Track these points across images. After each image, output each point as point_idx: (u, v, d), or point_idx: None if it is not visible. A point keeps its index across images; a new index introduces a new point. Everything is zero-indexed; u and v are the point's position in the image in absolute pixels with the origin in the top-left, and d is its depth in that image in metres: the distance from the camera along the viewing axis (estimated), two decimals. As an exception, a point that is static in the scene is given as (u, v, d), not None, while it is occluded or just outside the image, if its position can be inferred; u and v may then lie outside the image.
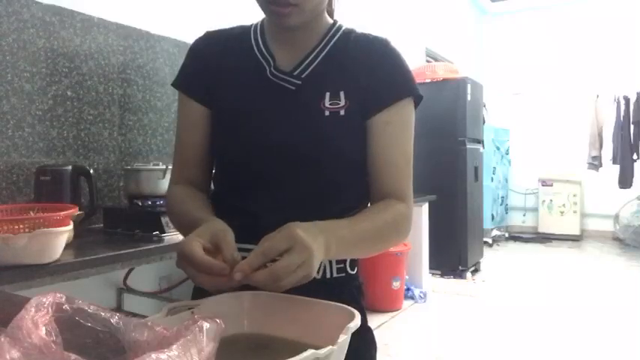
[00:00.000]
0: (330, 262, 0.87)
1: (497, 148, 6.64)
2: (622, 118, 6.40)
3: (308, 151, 0.83)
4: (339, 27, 0.91)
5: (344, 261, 0.89)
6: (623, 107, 6.40)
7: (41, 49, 1.90)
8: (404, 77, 0.87)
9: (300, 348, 0.47)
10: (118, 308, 2.17)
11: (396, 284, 3.66)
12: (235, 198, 0.88)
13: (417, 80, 0.96)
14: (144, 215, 1.82)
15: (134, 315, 1.60)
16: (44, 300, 0.42)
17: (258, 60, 0.88)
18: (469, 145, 4.69)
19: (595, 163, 6.61)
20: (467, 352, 3.05)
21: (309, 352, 0.46)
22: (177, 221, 0.89)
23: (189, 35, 1.79)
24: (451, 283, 4.53)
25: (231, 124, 0.88)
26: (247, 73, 0.88)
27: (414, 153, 0.89)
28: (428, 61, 5.46)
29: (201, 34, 0.96)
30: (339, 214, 0.80)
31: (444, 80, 4.72)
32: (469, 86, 4.70)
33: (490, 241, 6.38)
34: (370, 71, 0.86)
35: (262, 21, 0.93)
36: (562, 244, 6.58)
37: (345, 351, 0.55)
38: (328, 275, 0.87)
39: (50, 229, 1.22)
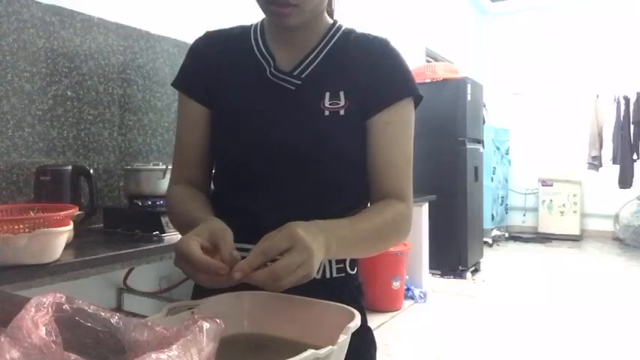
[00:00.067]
0: (330, 262, 0.87)
1: (497, 148, 6.65)
2: (622, 118, 6.40)
3: (308, 151, 0.83)
4: (339, 27, 0.91)
5: (343, 261, 0.89)
6: (623, 107, 6.40)
7: (41, 49, 1.90)
8: (404, 77, 0.88)
9: (300, 348, 0.47)
10: (118, 308, 2.17)
11: (396, 284, 3.66)
12: (235, 198, 0.88)
13: (417, 80, 0.96)
14: (144, 215, 1.82)
15: (134, 315, 1.60)
16: (44, 300, 0.43)
17: (258, 60, 0.88)
18: (469, 145, 4.69)
19: (595, 163, 6.61)
20: (467, 352, 3.05)
21: (309, 352, 0.46)
22: (177, 221, 0.89)
23: (189, 35, 1.79)
24: (451, 283, 4.53)
25: (231, 124, 0.88)
26: (247, 73, 0.88)
27: (414, 153, 0.89)
28: (428, 61, 5.46)
29: (201, 34, 0.96)
30: (339, 214, 0.80)
31: (444, 80, 4.72)
32: (469, 86, 4.70)
33: (490, 241, 6.38)
34: (370, 71, 0.86)
35: (262, 21, 0.93)
36: (562, 244, 6.58)
37: (345, 351, 0.55)
38: (328, 275, 0.87)
39: (50, 229, 1.22)
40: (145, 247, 1.57)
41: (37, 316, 0.40)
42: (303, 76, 0.85)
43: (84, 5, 2.06)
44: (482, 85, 5.21)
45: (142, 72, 2.30)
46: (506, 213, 7.16)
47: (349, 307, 0.62)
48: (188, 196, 0.88)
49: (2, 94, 1.78)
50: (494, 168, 6.51)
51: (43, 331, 0.39)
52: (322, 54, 0.87)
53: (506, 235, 7.05)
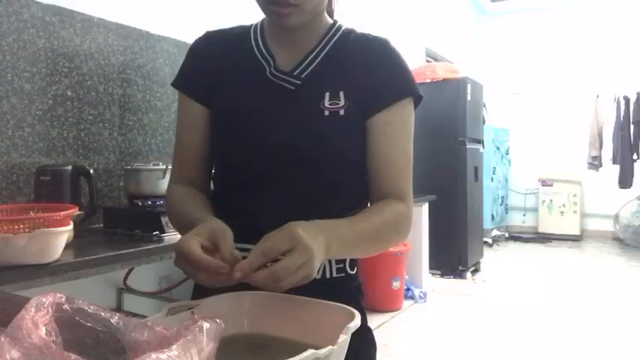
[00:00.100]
0: (330, 262, 0.87)
1: (497, 148, 6.65)
2: (622, 118, 6.40)
3: (308, 151, 0.83)
4: (339, 27, 0.91)
5: (343, 261, 0.89)
6: (623, 107, 6.40)
7: (41, 49, 1.90)
8: (404, 77, 0.88)
9: (300, 348, 0.47)
10: (118, 308, 2.17)
11: (396, 284, 3.66)
12: (235, 198, 0.88)
13: (417, 80, 0.96)
14: (144, 215, 1.82)
15: (134, 315, 1.60)
16: (44, 300, 0.42)
17: (258, 60, 0.88)
18: (469, 145, 4.69)
19: (595, 163, 6.61)
20: (467, 352, 3.05)
21: (309, 352, 0.46)
22: (177, 221, 0.89)
23: (189, 35, 1.79)
24: (451, 283, 4.53)
25: (231, 124, 0.88)
26: (247, 73, 0.88)
27: (414, 153, 0.89)
28: (428, 61, 5.46)
29: (201, 34, 0.96)
30: (339, 214, 0.80)
31: (444, 80, 4.72)
32: (469, 86, 4.70)
33: (490, 241, 6.38)
34: (370, 71, 0.86)
35: (262, 21, 0.93)
36: (562, 244, 6.58)
37: (345, 351, 0.55)
38: (328, 275, 0.87)
39: (50, 229, 1.22)
40: (145, 247, 1.57)
41: (37, 316, 0.40)
42: (303, 76, 0.85)
43: (84, 5, 2.06)
44: (482, 85, 5.21)
45: (142, 72, 2.30)
46: (506, 213, 7.16)
47: (349, 307, 0.62)
48: (188, 196, 0.88)
49: (2, 94, 1.78)
50: (494, 168, 6.51)
51: (43, 331, 0.39)
52: (322, 54, 0.87)
53: (506, 235, 7.05)
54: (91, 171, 1.78)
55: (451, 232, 4.63)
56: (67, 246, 1.38)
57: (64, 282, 1.33)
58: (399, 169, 0.86)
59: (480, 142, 5.06)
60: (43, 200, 1.65)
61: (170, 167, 0.98)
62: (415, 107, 0.89)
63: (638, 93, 6.33)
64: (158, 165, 2.00)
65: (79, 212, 1.37)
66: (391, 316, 3.58)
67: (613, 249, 6.28)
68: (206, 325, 0.43)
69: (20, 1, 1.83)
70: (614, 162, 6.39)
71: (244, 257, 0.64)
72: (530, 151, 7.32)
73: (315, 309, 0.66)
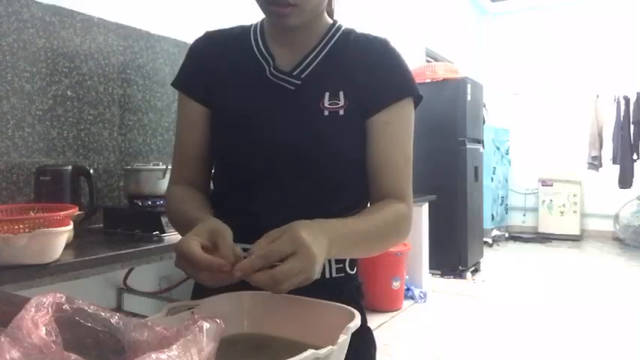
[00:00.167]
0: (330, 262, 0.87)
1: (497, 148, 6.65)
2: (622, 118, 6.40)
3: (307, 151, 0.83)
4: (339, 27, 0.91)
5: (343, 261, 0.89)
6: (623, 107, 6.40)
7: (41, 49, 1.90)
8: (403, 77, 0.88)
9: (300, 348, 0.47)
10: (118, 308, 2.17)
11: (396, 284, 3.66)
12: (235, 198, 0.88)
13: (417, 80, 0.96)
14: (144, 215, 1.82)
15: (134, 315, 1.60)
16: (44, 300, 0.42)
17: (257, 60, 0.88)
18: (469, 145, 4.69)
19: (595, 163, 6.61)
20: (467, 352, 3.05)
21: (309, 352, 0.46)
22: (176, 221, 0.89)
23: (189, 35, 1.79)
24: (451, 283, 4.53)
25: (230, 124, 0.88)
26: (247, 73, 0.88)
27: (414, 153, 0.89)
28: (428, 61, 5.46)
29: (201, 34, 0.96)
30: (339, 214, 0.80)
31: (444, 80, 4.72)
32: (469, 86, 4.70)
33: (490, 241, 6.38)
34: (370, 71, 0.86)
35: (262, 21, 0.93)
36: (562, 244, 6.58)
37: (345, 351, 0.55)
38: (327, 275, 0.87)
39: (50, 229, 1.22)
40: (145, 247, 1.57)
41: (37, 316, 0.40)
42: (302, 76, 0.85)
43: (84, 5, 2.06)
44: (482, 85, 5.21)
45: (142, 72, 2.30)
46: (506, 213, 7.16)
47: (349, 307, 0.62)
48: (187, 196, 0.88)
49: (2, 94, 1.78)
50: (494, 168, 6.51)
51: (43, 331, 0.39)
52: (322, 54, 0.87)
53: (506, 235, 7.05)
54: (91, 171, 1.78)
55: (451, 232, 4.63)
56: (67, 246, 1.38)
57: (64, 282, 1.32)
58: (399, 169, 0.86)
59: (480, 142, 5.06)
60: (43, 200, 1.65)
61: (170, 167, 0.98)
62: (415, 107, 0.89)
63: (638, 93, 6.32)
64: (158, 165, 2.00)
65: (79, 212, 1.37)
66: (391, 316, 3.58)
67: (613, 249, 6.28)
68: (206, 325, 0.43)
69: (20, 1, 1.83)
70: (614, 162, 6.39)
71: (245, 257, 0.64)
72: (530, 151, 7.31)
73: (315, 309, 0.66)
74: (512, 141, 7.12)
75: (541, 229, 7.01)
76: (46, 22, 1.92)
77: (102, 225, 1.91)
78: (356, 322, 0.57)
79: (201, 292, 0.78)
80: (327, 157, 0.84)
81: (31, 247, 1.19)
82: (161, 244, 1.63)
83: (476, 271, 4.96)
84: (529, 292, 4.29)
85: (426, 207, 4.09)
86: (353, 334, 0.55)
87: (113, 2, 2.20)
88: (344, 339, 0.53)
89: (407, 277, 3.92)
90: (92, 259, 1.40)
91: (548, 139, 7.19)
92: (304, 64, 0.86)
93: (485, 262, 5.24)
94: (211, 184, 0.97)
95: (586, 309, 3.82)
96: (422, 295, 3.98)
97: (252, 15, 0.95)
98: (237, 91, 0.88)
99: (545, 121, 7.23)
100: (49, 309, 0.42)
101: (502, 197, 6.91)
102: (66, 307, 0.44)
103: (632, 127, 6.34)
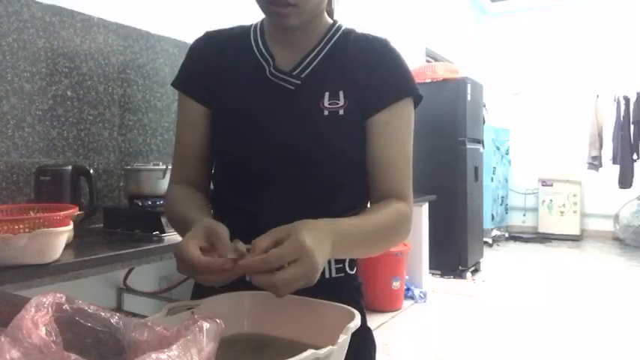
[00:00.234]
0: (329, 262, 0.87)
1: (497, 148, 6.65)
2: (622, 118, 6.40)
3: (307, 151, 0.83)
4: (339, 27, 0.91)
5: (343, 261, 0.89)
6: (623, 107, 6.40)
7: (41, 49, 1.90)
8: (403, 77, 0.87)
9: (300, 348, 0.47)
10: (118, 308, 2.17)
11: (396, 284, 3.66)
12: (235, 198, 0.88)
13: (417, 80, 0.96)
14: (144, 215, 1.82)
15: (134, 315, 1.60)
16: (44, 300, 0.42)
17: (257, 60, 0.88)
18: (469, 145, 4.69)
19: (595, 163, 6.61)
20: (467, 352, 3.05)
21: (309, 352, 0.46)
22: (175, 222, 0.89)
23: (189, 35, 1.79)
24: (451, 283, 4.53)
25: (230, 124, 0.88)
26: (247, 73, 0.88)
27: (414, 153, 0.89)
28: (428, 61, 5.46)
29: (201, 34, 0.96)
30: (339, 214, 0.80)
31: (444, 80, 4.72)
32: (469, 86, 4.70)
33: (490, 241, 6.38)
34: (370, 71, 0.86)
35: (262, 21, 0.93)
36: (562, 244, 6.58)
37: (345, 351, 0.55)
38: (327, 275, 0.87)
39: (50, 229, 1.22)
40: (145, 247, 1.57)
41: (37, 316, 0.40)
42: (302, 75, 0.85)
43: (84, 5, 2.06)
44: (482, 85, 5.21)
45: (142, 72, 2.30)
46: (506, 213, 7.16)
47: (349, 307, 0.62)
48: (186, 197, 0.88)
49: (2, 94, 1.78)
50: (494, 168, 6.51)
51: (43, 331, 0.39)
52: (322, 54, 0.87)
53: (506, 235, 7.05)
54: (91, 171, 1.78)
55: (451, 232, 4.63)
56: (67, 246, 1.38)
57: (64, 282, 1.32)
58: (399, 169, 0.86)
59: (480, 142, 5.06)
60: (43, 200, 1.65)
61: (170, 167, 0.98)
62: (415, 107, 0.89)
63: (638, 93, 6.32)
64: (158, 165, 2.00)
65: (79, 212, 1.37)
66: (391, 316, 3.58)
67: (613, 249, 6.28)
68: (206, 325, 0.43)
69: (20, 1, 1.83)
70: (614, 162, 6.39)
71: (248, 249, 0.64)
72: (530, 151, 7.32)
73: (315, 309, 0.66)
74: (512, 141, 7.12)
75: (541, 229, 7.01)
76: (46, 22, 1.92)
77: (102, 225, 1.91)
78: (356, 322, 0.57)
79: (201, 292, 0.78)
80: (327, 157, 0.84)
81: (31, 247, 1.19)
82: (161, 244, 1.63)
83: (476, 271, 4.96)
84: (529, 292, 4.29)
85: (426, 207, 4.09)
86: (353, 334, 0.55)
87: (113, 2, 2.20)
88: (344, 339, 0.53)
89: (407, 277, 3.92)
90: (92, 259, 1.40)
91: (548, 139, 7.19)
92: (304, 64, 0.86)
93: (485, 262, 5.24)
94: (211, 184, 0.97)
95: (586, 309, 3.82)
96: (422, 295, 3.98)
97: (252, 15, 0.95)
98: (237, 91, 0.88)
99: (545, 121, 7.23)
100: (49, 309, 0.42)
101: (502, 197, 6.91)
102: (66, 307, 0.44)
103: (632, 127, 6.34)
